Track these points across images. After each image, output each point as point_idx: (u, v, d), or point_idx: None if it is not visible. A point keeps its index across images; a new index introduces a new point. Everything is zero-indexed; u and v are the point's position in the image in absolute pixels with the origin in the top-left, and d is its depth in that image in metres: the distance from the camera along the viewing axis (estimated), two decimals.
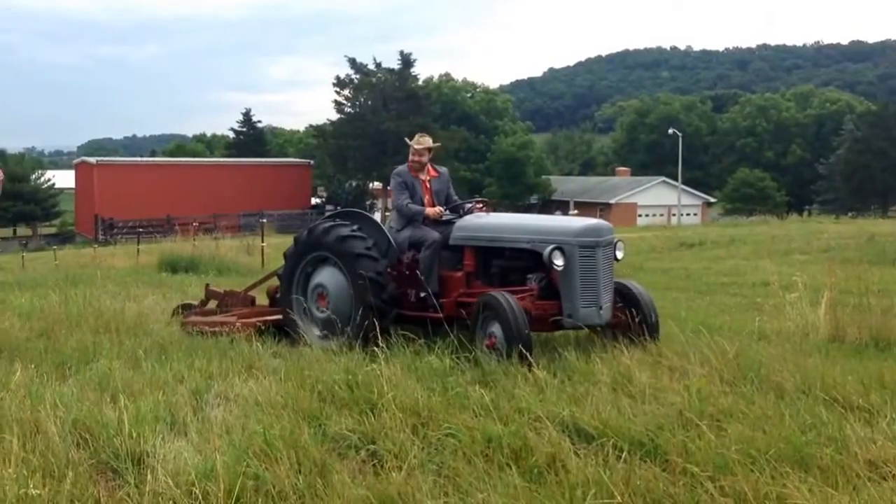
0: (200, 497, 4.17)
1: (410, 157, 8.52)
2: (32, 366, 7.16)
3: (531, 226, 7.78)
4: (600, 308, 7.14)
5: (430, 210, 8.28)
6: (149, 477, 4.47)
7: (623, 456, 4.50)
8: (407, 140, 8.69)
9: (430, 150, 8.61)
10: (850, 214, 56.31)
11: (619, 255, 7.57)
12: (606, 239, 7.35)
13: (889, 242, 19.82)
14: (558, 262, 7.01)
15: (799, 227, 33.65)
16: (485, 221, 8.03)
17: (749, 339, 7.40)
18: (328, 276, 8.27)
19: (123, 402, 5.68)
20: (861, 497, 3.81)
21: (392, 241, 8.19)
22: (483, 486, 4.16)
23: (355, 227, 8.21)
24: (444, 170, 8.82)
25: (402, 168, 8.59)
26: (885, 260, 13.24)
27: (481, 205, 8.66)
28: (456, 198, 8.74)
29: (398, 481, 4.22)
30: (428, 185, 8.51)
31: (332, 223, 8.36)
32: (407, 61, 67.83)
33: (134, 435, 5.09)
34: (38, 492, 4.20)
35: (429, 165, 8.61)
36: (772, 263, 13.42)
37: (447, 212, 8.36)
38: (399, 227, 8.35)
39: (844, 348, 7.39)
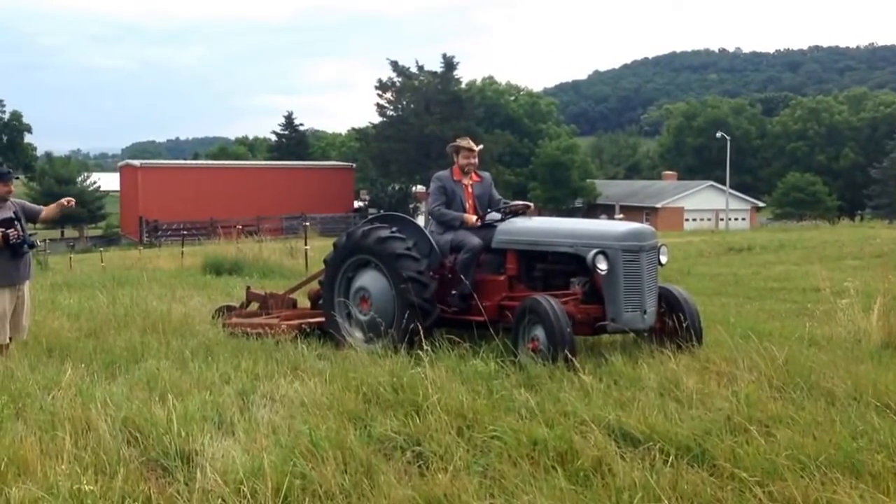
0: (249, 495, 4.22)
1: (458, 161, 8.42)
2: (82, 365, 7.30)
3: (574, 229, 7.71)
4: (644, 312, 7.11)
5: (467, 217, 8.21)
6: (198, 475, 4.54)
7: (670, 460, 4.46)
8: (459, 143, 8.52)
9: (479, 153, 8.55)
10: None
11: (664, 259, 7.52)
12: (650, 243, 7.30)
13: None
14: (602, 266, 6.98)
15: (851, 232, 33.05)
16: (527, 225, 7.97)
17: (799, 345, 7.27)
18: (370, 280, 8.24)
19: (172, 401, 5.79)
20: None
21: (434, 244, 8.17)
22: (528, 488, 4.15)
23: (394, 228, 8.21)
24: (486, 174, 8.71)
25: (443, 173, 8.49)
26: None
27: (526, 207, 8.43)
28: (501, 199, 8.63)
29: (444, 482, 4.23)
30: (470, 190, 8.41)
31: (372, 226, 8.36)
32: (450, 64, 67.97)
33: (182, 434, 5.17)
34: (91, 488, 4.28)
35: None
36: (823, 269, 13.19)
37: (490, 215, 8.28)
38: (439, 232, 8.30)
39: None
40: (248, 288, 11.07)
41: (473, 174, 8.49)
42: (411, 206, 67.10)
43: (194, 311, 11.40)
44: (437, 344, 7.19)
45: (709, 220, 66.61)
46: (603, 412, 5.29)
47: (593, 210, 69.37)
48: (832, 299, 8.18)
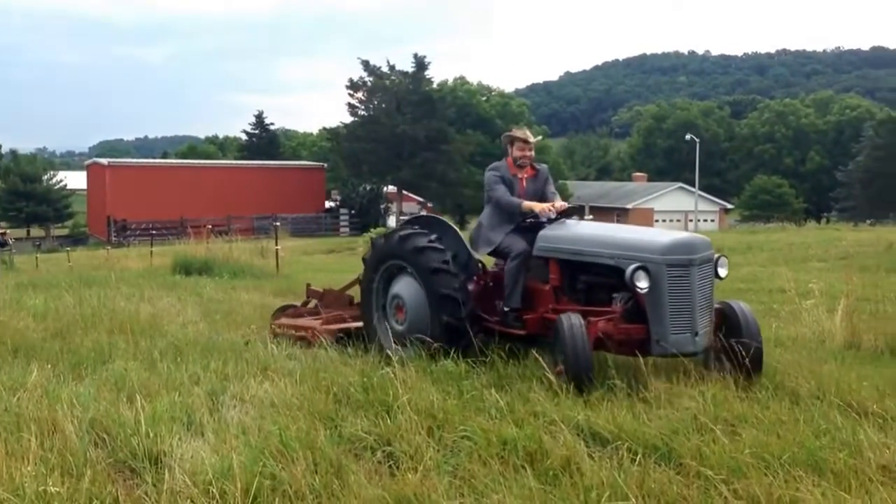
0: (218, 496, 4.21)
1: (512, 152, 7.65)
2: (49, 366, 7.23)
3: (616, 239, 6.81)
4: (696, 334, 6.26)
5: (535, 204, 7.35)
6: (166, 476, 4.51)
7: (637, 459, 4.51)
8: (514, 133, 7.76)
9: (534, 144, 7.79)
10: (868, 222, 55.92)
11: (723, 272, 6.67)
12: (703, 256, 6.42)
13: None
14: (641, 283, 6.21)
15: (817, 234, 33.50)
16: (569, 232, 7.13)
17: (765, 346, 7.37)
18: (406, 287, 7.60)
19: (140, 402, 5.74)
20: (874, 501, 3.83)
21: (473, 253, 7.63)
22: (498, 487, 4.17)
23: (433, 236, 7.48)
24: (542, 167, 7.87)
25: (500, 163, 7.72)
26: None
27: (577, 209, 7.80)
28: (556, 195, 7.79)
29: (414, 482, 4.25)
30: (524, 185, 7.62)
31: (410, 231, 7.70)
32: (421, 64, 67.90)
33: (151, 434, 5.14)
34: (57, 489, 4.25)
35: None
36: (789, 270, 13.35)
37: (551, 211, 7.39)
38: (490, 227, 7.58)
39: (860, 355, 7.39)
40: (308, 285, 10.49)
41: (529, 168, 7.70)
42: (382, 206, 66.99)
43: (163, 311, 11.32)
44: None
45: (678, 221, 67.19)
46: (572, 412, 5.34)
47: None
48: (797, 300, 8.30)
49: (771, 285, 12.96)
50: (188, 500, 4.22)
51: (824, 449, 4.54)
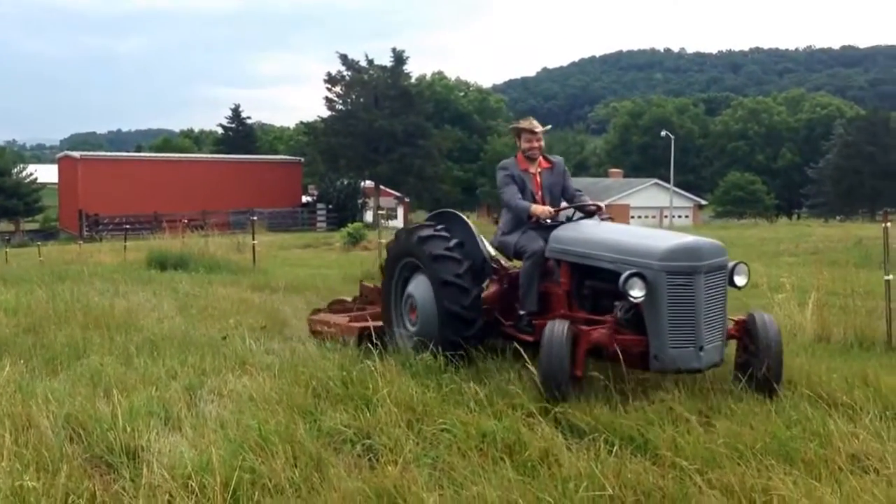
0: (197, 490, 4.22)
1: (522, 146, 7.18)
2: (21, 361, 7.19)
3: (617, 243, 6.25)
4: (700, 349, 5.69)
5: (536, 208, 6.91)
6: (144, 471, 4.51)
7: (614, 450, 4.58)
8: (520, 124, 7.28)
9: (543, 134, 7.26)
10: (838, 218, 56.71)
11: (740, 281, 6.15)
12: (712, 263, 5.85)
13: (875, 246, 19.86)
14: (635, 292, 5.70)
15: (788, 230, 33.92)
16: (578, 233, 6.61)
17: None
18: (419, 286, 7.30)
19: (116, 397, 5.72)
20: (843, 489, 3.91)
21: (485, 248, 7.27)
22: (477, 479, 4.22)
23: (440, 227, 7.24)
24: (557, 159, 7.37)
25: (508, 161, 7.28)
26: (871, 263, 13.33)
27: (598, 208, 7.11)
28: (579, 192, 7.32)
29: (394, 475, 4.28)
30: (539, 179, 7.15)
31: (419, 224, 7.54)
32: (399, 59, 67.72)
33: (128, 429, 5.14)
34: (33, 484, 4.23)
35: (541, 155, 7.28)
36: (761, 265, 13.50)
37: (557, 213, 7.05)
38: (507, 230, 7.15)
39: (830, 348, 7.53)
40: (362, 282, 9.96)
41: (542, 160, 7.22)
42: (360, 201, 66.81)
43: (138, 306, 11.25)
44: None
45: (653, 217, 67.59)
46: (550, 404, 5.39)
47: None
48: (769, 294, 8.40)
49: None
50: (167, 495, 4.23)
51: (795, 439, 4.64)
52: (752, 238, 26.92)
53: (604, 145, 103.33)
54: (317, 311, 9.19)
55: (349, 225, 36.71)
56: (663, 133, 68.72)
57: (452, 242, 6.99)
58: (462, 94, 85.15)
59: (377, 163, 64.60)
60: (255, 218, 23.67)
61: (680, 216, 68.72)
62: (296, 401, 5.78)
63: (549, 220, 6.88)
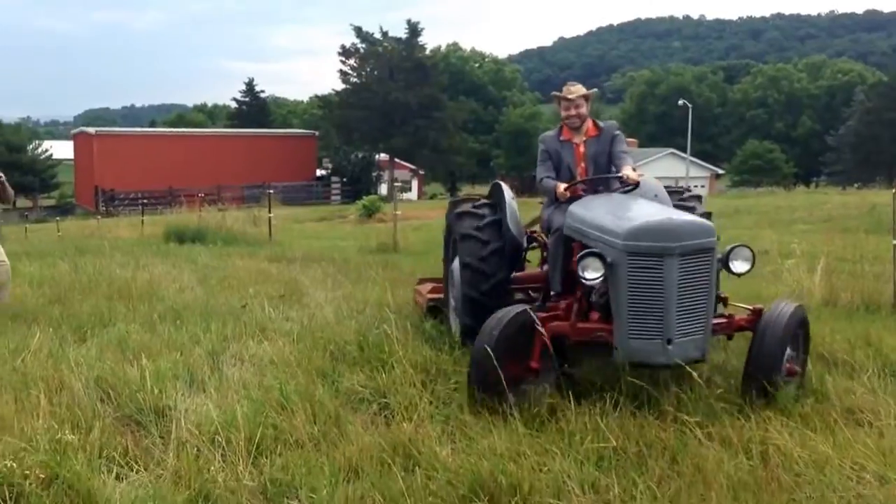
0: (223, 444, 4.45)
1: (562, 113, 6.53)
2: (50, 329, 7.43)
3: (601, 218, 5.61)
4: (668, 342, 5.02)
5: (558, 187, 6.30)
6: (173, 427, 4.75)
7: (619, 406, 4.78)
8: (555, 94, 6.64)
9: (587, 98, 6.50)
10: (856, 186, 56.28)
11: (739, 268, 5.45)
12: (689, 245, 5.06)
13: (888, 212, 19.93)
14: (587, 273, 5.19)
15: (804, 198, 33.83)
16: (584, 209, 5.94)
17: (749, 304, 7.61)
18: (457, 263, 6.87)
19: (143, 361, 5.97)
20: (837, 439, 4.10)
21: (514, 226, 6.60)
22: (487, 434, 4.43)
23: (483, 202, 6.81)
24: (608, 125, 6.60)
25: (547, 133, 6.71)
26: (882, 229, 13.43)
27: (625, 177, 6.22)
28: (626, 155, 6.50)
29: (408, 430, 4.50)
30: (583, 150, 6.45)
31: (466, 197, 7.11)
32: (414, 30, 67.56)
33: (155, 391, 5.39)
34: (71, 437, 4.49)
35: (590, 121, 6.52)
36: (773, 233, 13.61)
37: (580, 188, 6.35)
38: (546, 204, 6.66)
39: (837, 311, 7.69)
40: None
41: (590, 127, 6.49)
42: (374, 174, 66.95)
43: (159, 277, 11.50)
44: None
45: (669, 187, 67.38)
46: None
47: None
48: (779, 261, 8.55)
49: (755, 247, 13.13)
50: (195, 449, 4.46)
51: (791, 397, 4.82)
52: (766, 206, 26.93)
53: (620, 115, 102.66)
54: (422, 280, 8.99)
55: (364, 197, 36.92)
56: (680, 102, 68.19)
57: (484, 221, 6.54)
58: (477, 65, 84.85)
59: (392, 135, 64.67)
60: (270, 191, 23.89)
61: (696, 186, 68.36)
62: (314, 364, 6.02)
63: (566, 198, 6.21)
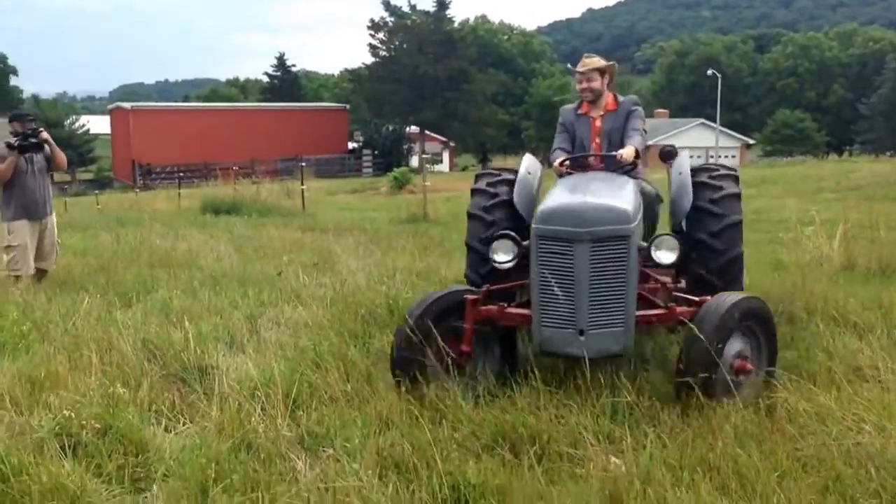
0: (263, 399, 4.77)
1: (577, 87, 6.27)
2: (98, 295, 7.84)
3: (544, 200, 5.30)
4: (580, 333, 4.73)
5: (555, 163, 6.10)
6: (215, 384, 5.09)
7: (633, 364, 5.04)
8: (568, 67, 6.52)
9: (602, 71, 6.19)
10: (888, 154, 55.65)
11: (664, 258, 4.99)
12: (600, 231, 4.75)
13: None
14: (496, 256, 5.21)
15: (833, 167, 33.58)
16: (552, 188, 5.61)
17: (766, 270, 7.83)
18: None
19: (186, 324, 6.32)
20: (842, 395, 4.32)
21: (522, 203, 6.21)
22: (509, 391, 4.70)
23: (501, 176, 6.50)
24: (628, 99, 6.28)
25: (566, 106, 6.48)
26: None
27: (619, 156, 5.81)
28: (638, 131, 6.06)
29: (434, 387, 4.77)
30: (599, 124, 6.17)
31: (490, 170, 6.81)
32: (442, 3, 67.33)
33: (198, 351, 5.75)
34: (123, 390, 4.84)
35: (610, 96, 6.25)
36: (799, 202, 13.70)
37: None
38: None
39: (854, 276, 7.86)
40: None
41: (609, 102, 6.22)
42: (405, 146, 67.17)
43: (197, 247, 11.92)
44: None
45: (699, 157, 66.83)
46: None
47: None
48: (798, 228, 8.71)
49: (780, 216, 13.34)
50: (236, 403, 4.78)
51: (803, 356, 5.05)
52: (793, 175, 26.83)
53: (650, 86, 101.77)
54: None
55: (395, 170, 37.17)
56: (710, 72, 67.55)
57: (495, 200, 6.25)
58: (506, 37, 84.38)
59: (422, 108, 64.77)
60: (303, 164, 24.26)
61: (726, 156, 67.89)
62: (347, 326, 6.34)
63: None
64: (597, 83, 6.12)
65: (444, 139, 71.79)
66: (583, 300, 4.71)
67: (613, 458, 3.88)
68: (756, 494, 3.45)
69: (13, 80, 69.17)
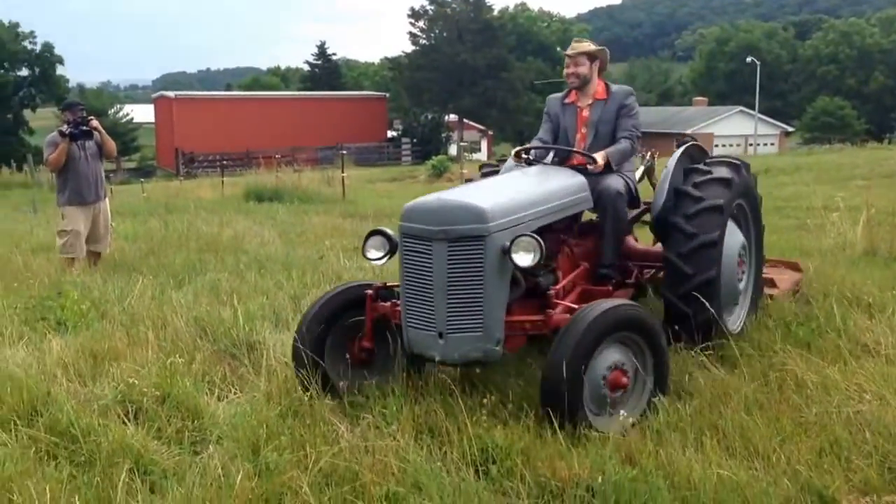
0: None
1: (564, 72, 5.92)
2: (151, 277, 8.30)
3: None
4: (440, 336, 4.53)
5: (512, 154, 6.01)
6: (263, 358, 5.48)
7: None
8: (559, 50, 6.19)
9: (592, 57, 5.84)
10: None
11: (521, 260, 4.48)
12: (454, 230, 4.49)
13: None
14: (368, 254, 5.13)
15: (868, 154, 33.25)
16: None
17: (791, 256, 8.02)
18: None
19: (234, 303, 6.73)
20: (848, 368, 4.62)
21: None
22: (528, 366, 5.03)
23: (497, 169, 6.39)
24: (621, 89, 5.90)
25: (554, 94, 6.14)
26: None
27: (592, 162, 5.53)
28: (627, 134, 5.70)
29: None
30: (586, 114, 5.82)
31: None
32: None
33: (246, 329, 6.16)
34: (181, 359, 5.26)
35: (600, 84, 5.90)
36: (830, 189, 13.77)
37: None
38: None
39: (875, 261, 8.04)
40: None
41: (598, 90, 5.85)
42: (444, 135, 67.43)
43: (242, 233, 12.37)
44: None
45: (738, 145, 66.19)
46: None
47: None
48: (824, 214, 8.90)
49: (808, 203, 13.46)
50: (283, 375, 5.16)
51: (812, 333, 5.33)
52: (828, 163, 26.69)
53: (689, 73, 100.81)
54: None
55: (433, 158, 37.49)
56: (748, 59, 66.81)
57: None
58: (545, 24, 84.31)
59: (461, 96, 64.97)
60: (343, 152, 24.68)
61: (765, 144, 67.13)
62: None
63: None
64: (584, 68, 5.78)
65: (482, 127, 71.91)
66: (441, 302, 4.50)
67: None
68: (758, 454, 3.77)
69: (59, 70, 70.05)
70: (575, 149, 5.71)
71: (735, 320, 5.75)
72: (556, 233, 5.23)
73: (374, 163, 55.86)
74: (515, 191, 5.01)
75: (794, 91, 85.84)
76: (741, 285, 5.78)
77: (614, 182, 5.45)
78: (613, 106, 5.73)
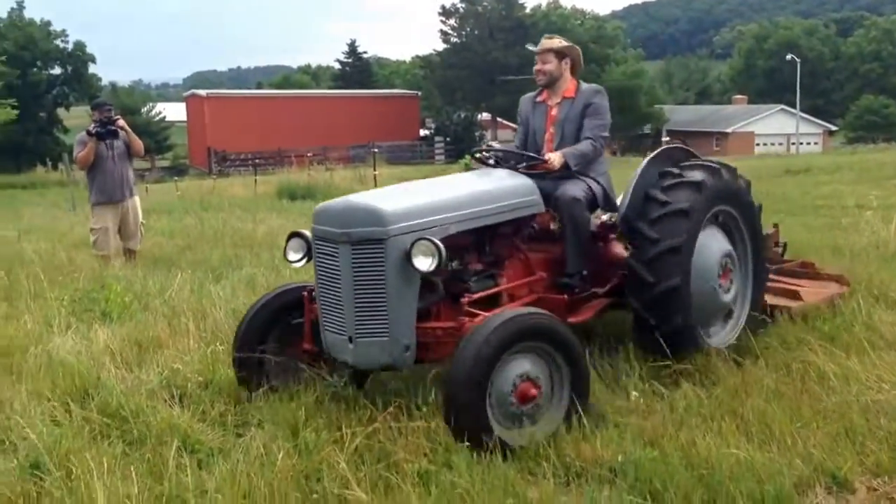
0: None
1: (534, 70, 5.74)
2: (189, 271, 8.55)
3: None
4: (350, 340, 4.51)
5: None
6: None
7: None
8: (530, 47, 5.80)
9: (557, 53, 5.63)
10: None
11: (421, 264, 4.37)
12: (354, 232, 4.44)
13: None
14: (289, 256, 5.07)
15: None
16: None
17: (825, 254, 8.07)
18: None
19: None
20: (867, 360, 4.75)
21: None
22: None
23: None
24: (589, 87, 5.66)
25: (527, 94, 5.99)
26: None
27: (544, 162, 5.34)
28: (599, 125, 5.53)
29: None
30: (554, 113, 5.66)
31: None
32: None
33: None
34: (222, 347, 5.49)
35: (571, 82, 5.69)
36: (868, 188, 13.72)
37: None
38: None
39: None
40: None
41: (568, 88, 5.65)
42: (476, 133, 67.49)
43: (276, 229, 12.62)
44: None
45: (780, 144, 65.59)
46: None
47: (660, 137, 68.79)
48: (857, 212, 8.93)
49: (845, 202, 13.44)
50: (320, 360, 5.34)
51: (837, 328, 5.43)
52: (869, 162, 26.40)
53: (728, 71, 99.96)
54: None
55: (466, 157, 37.61)
56: (788, 57, 66.16)
57: None
58: (578, 22, 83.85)
59: (493, 95, 65.01)
60: (375, 151, 24.95)
61: (808, 143, 66.44)
62: None
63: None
64: (551, 65, 5.57)
65: (515, 126, 71.78)
66: (349, 306, 4.46)
67: (633, 392, 4.41)
68: (775, 439, 3.90)
69: (91, 68, 70.80)
70: (523, 151, 5.55)
71: (726, 334, 5.49)
72: (506, 237, 5.15)
73: (407, 161, 56.01)
74: (429, 194, 4.91)
75: (836, 89, 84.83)
76: (727, 297, 5.42)
77: (571, 187, 5.24)
78: (580, 104, 5.53)
